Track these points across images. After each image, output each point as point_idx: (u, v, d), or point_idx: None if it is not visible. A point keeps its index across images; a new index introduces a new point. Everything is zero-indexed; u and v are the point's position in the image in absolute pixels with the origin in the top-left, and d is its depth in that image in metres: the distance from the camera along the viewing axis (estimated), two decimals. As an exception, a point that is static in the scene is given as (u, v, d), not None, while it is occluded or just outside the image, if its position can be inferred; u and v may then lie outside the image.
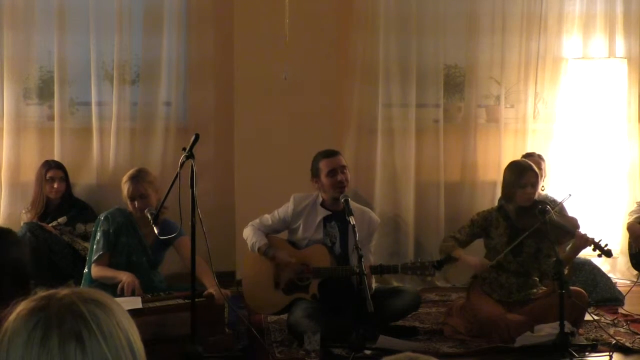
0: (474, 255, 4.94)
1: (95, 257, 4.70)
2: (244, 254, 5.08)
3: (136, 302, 4.28)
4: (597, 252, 4.77)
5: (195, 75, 6.20)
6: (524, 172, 4.80)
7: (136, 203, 4.71)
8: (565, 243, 4.90)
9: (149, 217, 4.56)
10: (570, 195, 4.97)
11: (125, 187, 4.74)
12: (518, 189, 4.77)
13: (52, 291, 1.30)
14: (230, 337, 4.49)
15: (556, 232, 4.66)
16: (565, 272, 4.46)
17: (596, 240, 4.75)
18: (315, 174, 4.84)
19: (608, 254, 4.77)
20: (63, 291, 1.29)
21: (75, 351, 1.22)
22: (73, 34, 6.03)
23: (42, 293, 1.30)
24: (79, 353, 1.22)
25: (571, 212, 5.76)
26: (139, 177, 4.73)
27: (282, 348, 4.53)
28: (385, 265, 4.75)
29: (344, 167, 4.82)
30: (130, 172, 4.82)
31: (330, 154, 4.87)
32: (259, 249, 4.80)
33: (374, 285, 4.75)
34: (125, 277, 4.52)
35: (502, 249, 4.78)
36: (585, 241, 4.79)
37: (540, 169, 5.65)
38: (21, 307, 1.28)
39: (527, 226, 4.69)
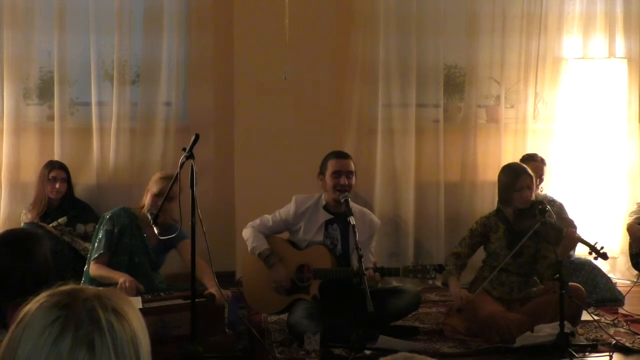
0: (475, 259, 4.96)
1: (95, 256, 4.70)
2: (244, 254, 5.08)
3: (136, 302, 4.28)
4: (594, 255, 4.78)
5: (195, 76, 6.19)
6: (519, 175, 4.82)
7: (159, 201, 4.58)
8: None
9: (149, 217, 4.55)
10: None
11: (160, 183, 4.68)
12: (514, 193, 4.80)
13: (77, 287, 1.28)
14: (230, 337, 4.49)
15: (554, 232, 4.66)
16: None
17: (592, 242, 4.75)
18: (322, 170, 4.84)
19: (604, 256, 4.78)
20: (88, 291, 1.27)
21: (84, 359, 1.20)
22: (73, 34, 6.02)
23: (66, 287, 1.28)
24: None
25: (571, 212, 5.78)
26: (175, 181, 4.52)
27: (282, 348, 4.52)
28: (386, 268, 4.73)
29: (350, 172, 4.79)
30: (168, 172, 4.83)
31: (341, 155, 4.87)
32: (259, 254, 4.79)
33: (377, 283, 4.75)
34: (122, 279, 4.47)
35: (501, 252, 4.80)
36: (574, 239, 4.81)
37: (542, 174, 5.64)
38: (44, 297, 1.26)
39: (526, 228, 4.70)
